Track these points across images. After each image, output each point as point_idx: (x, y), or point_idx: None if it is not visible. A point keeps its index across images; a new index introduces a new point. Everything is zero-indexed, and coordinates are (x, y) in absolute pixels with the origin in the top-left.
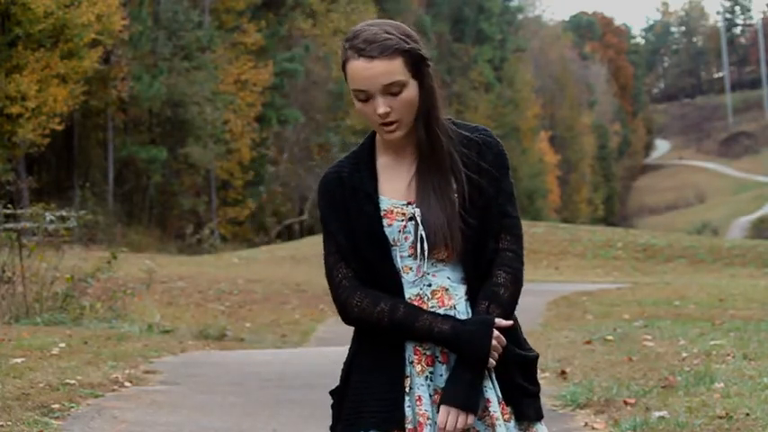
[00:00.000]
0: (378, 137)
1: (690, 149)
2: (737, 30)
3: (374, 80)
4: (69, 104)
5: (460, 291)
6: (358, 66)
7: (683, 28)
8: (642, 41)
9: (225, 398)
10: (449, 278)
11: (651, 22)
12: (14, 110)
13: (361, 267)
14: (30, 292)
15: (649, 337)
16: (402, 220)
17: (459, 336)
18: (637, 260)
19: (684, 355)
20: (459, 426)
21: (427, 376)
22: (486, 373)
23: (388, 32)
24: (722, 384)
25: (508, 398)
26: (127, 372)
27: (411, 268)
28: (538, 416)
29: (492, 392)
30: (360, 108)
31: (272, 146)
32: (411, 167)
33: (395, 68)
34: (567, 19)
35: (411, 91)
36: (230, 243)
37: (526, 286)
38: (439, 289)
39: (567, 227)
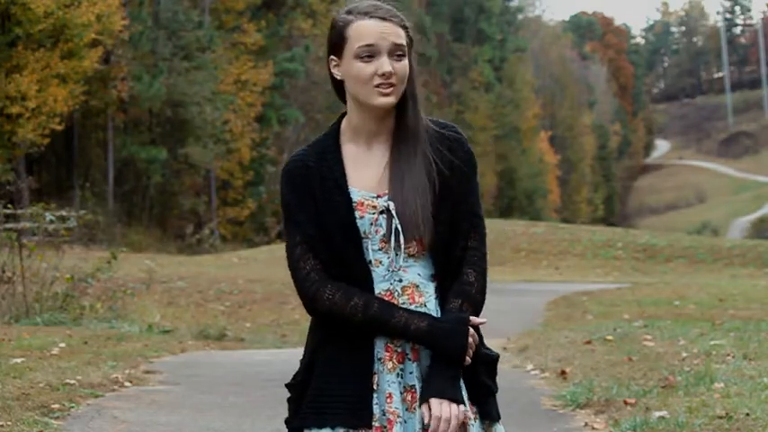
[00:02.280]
0: (344, 125)
1: (690, 149)
2: (737, 30)
3: (387, 37)
4: (69, 104)
5: (430, 288)
6: (369, 23)
7: (683, 28)
8: (642, 41)
9: (225, 398)
10: (419, 274)
11: (651, 22)
12: (14, 110)
13: (329, 259)
14: (30, 292)
15: (649, 337)
16: (373, 213)
17: (436, 333)
18: (637, 260)
19: (684, 355)
20: (455, 414)
21: (398, 373)
22: None
23: (391, 7)
24: (722, 384)
25: (473, 397)
26: (127, 372)
27: (381, 262)
28: (498, 416)
29: (464, 394)
30: (360, 68)
31: (272, 146)
32: (382, 159)
33: (401, 34)
34: (567, 19)
35: (407, 64)
36: (230, 243)
37: (526, 286)
38: (410, 285)
39: (567, 227)
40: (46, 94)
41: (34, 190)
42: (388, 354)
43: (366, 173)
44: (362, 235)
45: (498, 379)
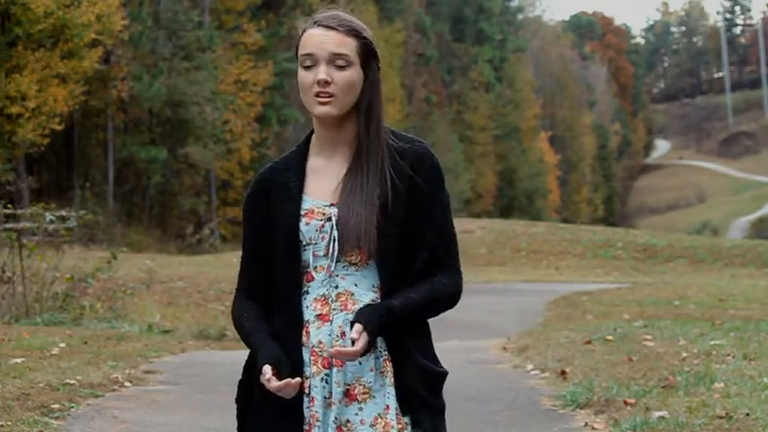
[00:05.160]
0: (313, 139)
1: (690, 149)
2: (737, 30)
3: (324, 45)
4: (69, 104)
5: (367, 298)
6: (313, 32)
7: (683, 28)
8: (642, 41)
9: (225, 398)
10: (356, 284)
11: (651, 22)
12: (14, 110)
13: (263, 273)
14: (30, 292)
15: (649, 337)
16: (321, 220)
17: (259, 354)
18: (637, 260)
19: (684, 355)
20: (360, 338)
21: (323, 378)
22: (387, 380)
23: (349, 17)
24: (722, 384)
25: (405, 406)
26: (127, 372)
27: (324, 268)
28: (431, 428)
29: (392, 400)
30: (302, 77)
31: (272, 146)
32: (341, 169)
33: (347, 43)
34: (567, 19)
35: (354, 74)
36: (230, 243)
37: (526, 286)
38: (344, 293)
39: (567, 227)
40: (46, 94)
41: (34, 190)
42: (313, 358)
43: (324, 182)
44: (308, 241)
45: (498, 379)
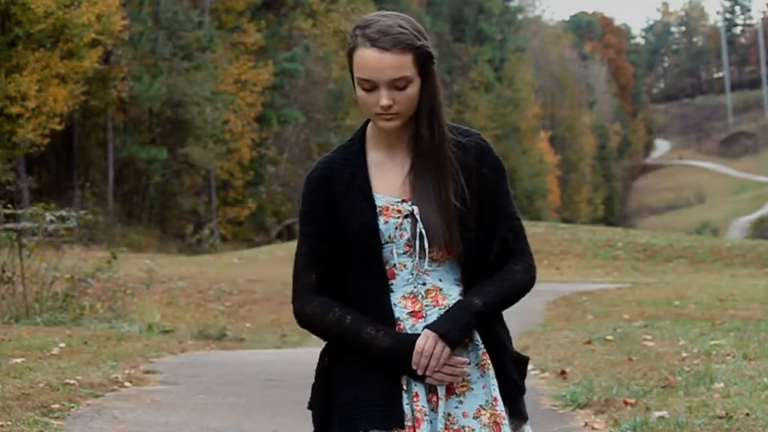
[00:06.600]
0: (368, 132)
1: (690, 149)
2: (737, 30)
3: (383, 72)
4: (69, 104)
5: (454, 292)
6: (369, 55)
7: (683, 28)
8: (642, 41)
9: (225, 398)
10: (440, 280)
11: (651, 22)
12: (14, 110)
13: (332, 271)
14: (30, 292)
15: (649, 337)
16: (398, 217)
17: (396, 352)
18: (637, 260)
19: (684, 355)
20: (437, 351)
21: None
22: (490, 372)
23: (402, 26)
24: (722, 384)
25: (504, 395)
26: (127, 372)
27: (405, 266)
28: (526, 416)
29: (497, 392)
30: (362, 96)
31: (272, 146)
32: (404, 165)
33: (404, 63)
34: (567, 19)
35: (415, 87)
36: (230, 243)
37: None
38: (433, 288)
39: (567, 227)
40: (46, 94)
41: (34, 190)
42: None
43: (389, 179)
44: (387, 239)
45: None
